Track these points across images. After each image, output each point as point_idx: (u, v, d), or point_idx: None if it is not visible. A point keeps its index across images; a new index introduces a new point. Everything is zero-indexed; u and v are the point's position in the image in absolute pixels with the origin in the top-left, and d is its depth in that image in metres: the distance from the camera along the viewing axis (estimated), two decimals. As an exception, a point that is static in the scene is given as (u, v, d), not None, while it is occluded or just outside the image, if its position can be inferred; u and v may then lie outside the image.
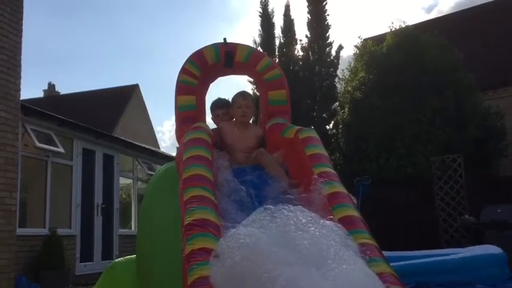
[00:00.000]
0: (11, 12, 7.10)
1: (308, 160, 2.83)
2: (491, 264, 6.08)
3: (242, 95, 3.25)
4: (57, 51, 40.96)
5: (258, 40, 15.83)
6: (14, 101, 7.02)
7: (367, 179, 10.19)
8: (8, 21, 7.03)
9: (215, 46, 3.41)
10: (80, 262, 9.19)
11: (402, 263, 5.85)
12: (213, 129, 3.17)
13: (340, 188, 2.60)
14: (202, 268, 1.91)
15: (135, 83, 22.94)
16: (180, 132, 3.11)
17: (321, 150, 2.92)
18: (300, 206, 2.11)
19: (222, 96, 3.55)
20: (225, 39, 3.44)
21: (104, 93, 21.57)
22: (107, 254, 9.97)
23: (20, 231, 7.42)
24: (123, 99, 21.44)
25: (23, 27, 7.37)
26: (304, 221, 1.87)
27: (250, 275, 1.67)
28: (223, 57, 3.39)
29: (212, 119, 3.48)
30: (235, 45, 3.45)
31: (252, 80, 14.21)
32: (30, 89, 40.12)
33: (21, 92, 7.27)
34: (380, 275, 1.94)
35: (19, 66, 7.21)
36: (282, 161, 3.04)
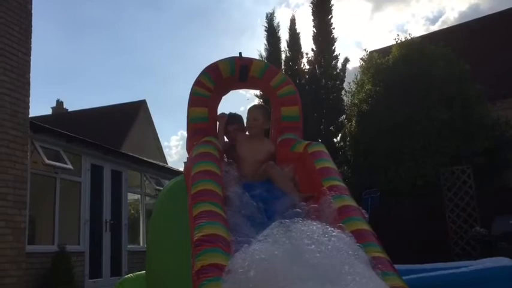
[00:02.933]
0: (20, 31, 7.20)
1: (318, 174, 2.82)
2: (503, 277, 5.98)
3: (251, 108, 3.32)
4: (65, 68, 41.38)
5: (264, 54, 15.92)
6: (23, 118, 7.09)
7: (375, 191, 10.14)
8: (17, 40, 7.13)
9: (230, 60, 3.43)
10: (89, 279, 9.16)
11: (414, 276, 5.78)
12: (226, 143, 3.21)
13: (350, 202, 2.59)
14: (213, 284, 1.89)
15: (142, 98, 23.10)
16: (190, 144, 3.12)
17: (331, 164, 2.91)
18: (313, 219, 2.10)
19: (233, 110, 3.57)
20: (240, 53, 3.47)
21: (111, 110, 21.69)
22: (116, 270, 9.93)
23: (29, 248, 7.42)
24: (131, 115, 21.54)
25: (32, 45, 7.47)
26: (317, 234, 1.85)
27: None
28: (238, 71, 3.41)
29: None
30: (250, 60, 3.47)
31: (259, 93, 14.29)
32: (39, 106, 40.48)
33: (30, 110, 7.34)
34: (393, 289, 1.92)
35: (28, 84, 7.29)
36: (292, 176, 3.03)
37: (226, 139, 3.38)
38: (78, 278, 8.59)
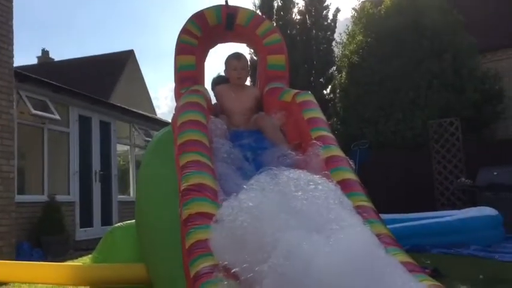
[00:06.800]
0: (1, -24, 6.92)
1: (306, 124, 2.81)
2: (486, 226, 6.18)
3: (236, 56, 3.20)
4: (49, 16, 40.29)
5: (257, 3, 15.57)
6: (7, 67, 6.94)
7: (364, 143, 10.22)
8: (-2, -15, 6.87)
9: (216, 8, 3.36)
10: (80, 228, 9.29)
11: (398, 225, 5.93)
12: (215, 104, 3.16)
13: (337, 152, 2.59)
14: (200, 232, 1.92)
15: (130, 48, 22.63)
16: (178, 92, 3.09)
17: (319, 114, 2.90)
18: (300, 169, 2.10)
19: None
20: (226, 1, 3.39)
21: (98, 60, 21.26)
22: (106, 220, 10.06)
23: (19, 198, 7.46)
24: (119, 66, 21.16)
25: (14, -10, 7.21)
26: (303, 181, 1.86)
27: (250, 239, 1.67)
28: (224, 19, 3.34)
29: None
30: (236, 8, 3.40)
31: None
32: (23, 55, 39.62)
33: (14, 59, 7.18)
34: (377, 236, 1.95)
35: (11, 32, 7.10)
36: (281, 125, 3.02)
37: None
38: (69, 227, 8.71)
